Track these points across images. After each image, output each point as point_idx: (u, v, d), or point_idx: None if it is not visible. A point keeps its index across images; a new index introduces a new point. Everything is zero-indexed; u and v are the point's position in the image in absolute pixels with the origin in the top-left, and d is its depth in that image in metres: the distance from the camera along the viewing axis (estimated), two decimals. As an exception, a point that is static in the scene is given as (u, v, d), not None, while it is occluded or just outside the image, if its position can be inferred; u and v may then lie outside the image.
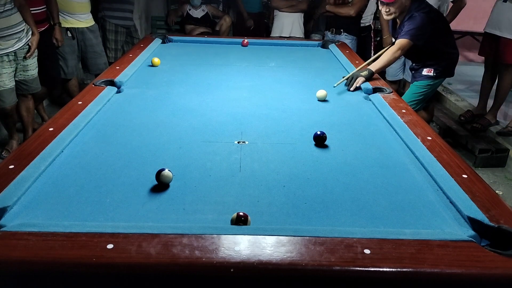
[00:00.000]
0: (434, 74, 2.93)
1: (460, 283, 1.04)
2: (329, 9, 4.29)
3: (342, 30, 4.21)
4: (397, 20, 2.82)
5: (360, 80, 2.39)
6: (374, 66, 2.56)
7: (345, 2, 4.19)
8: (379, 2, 2.78)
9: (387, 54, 2.65)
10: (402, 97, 2.54)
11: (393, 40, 2.89)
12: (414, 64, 3.07)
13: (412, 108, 2.27)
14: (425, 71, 2.94)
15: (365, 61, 2.80)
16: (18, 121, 3.26)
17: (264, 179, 1.46)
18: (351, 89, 2.37)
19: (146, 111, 2.04)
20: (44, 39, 3.18)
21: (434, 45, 2.82)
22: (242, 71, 2.80)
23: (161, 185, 1.38)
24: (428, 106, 3.30)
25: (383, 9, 2.77)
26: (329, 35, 4.24)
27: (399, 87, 4.15)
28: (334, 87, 2.30)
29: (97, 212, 1.24)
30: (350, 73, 2.47)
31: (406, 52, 2.87)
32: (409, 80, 3.96)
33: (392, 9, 2.71)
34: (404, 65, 3.94)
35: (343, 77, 2.45)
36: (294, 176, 1.49)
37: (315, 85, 2.44)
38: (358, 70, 2.49)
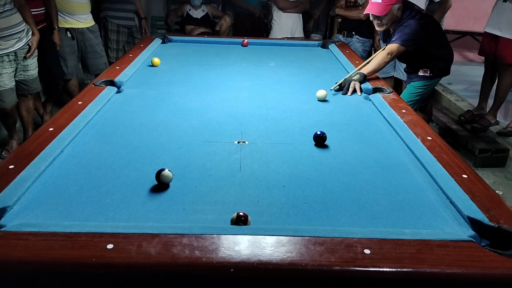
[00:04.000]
0: (430, 74, 2.95)
1: (460, 283, 1.04)
2: (339, 13, 4.27)
3: (353, 32, 4.20)
4: (390, 28, 2.83)
5: (356, 85, 2.40)
6: (365, 70, 2.57)
7: (355, 5, 4.18)
8: (370, 15, 2.79)
9: (377, 59, 2.66)
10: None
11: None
12: (409, 67, 3.08)
13: None
14: (421, 72, 2.96)
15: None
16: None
17: (264, 179, 1.46)
18: (348, 94, 2.37)
19: (146, 111, 2.04)
20: (42, 39, 3.17)
21: (427, 49, 2.84)
22: (242, 71, 2.80)
23: (161, 185, 1.38)
24: (426, 106, 3.31)
25: (374, 22, 2.80)
26: (340, 38, 4.20)
27: (395, 84, 4.14)
28: (330, 90, 2.33)
29: (97, 212, 1.24)
30: (342, 79, 2.47)
31: (399, 57, 2.88)
32: (400, 77, 3.96)
33: (384, 21, 2.74)
34: (395, 63, 3.94)
35: (336, 83, 2.45)
36: (294, 176, 1.49)
37: (315, 85, 2.44)
38: (350, 75, 2.50)
